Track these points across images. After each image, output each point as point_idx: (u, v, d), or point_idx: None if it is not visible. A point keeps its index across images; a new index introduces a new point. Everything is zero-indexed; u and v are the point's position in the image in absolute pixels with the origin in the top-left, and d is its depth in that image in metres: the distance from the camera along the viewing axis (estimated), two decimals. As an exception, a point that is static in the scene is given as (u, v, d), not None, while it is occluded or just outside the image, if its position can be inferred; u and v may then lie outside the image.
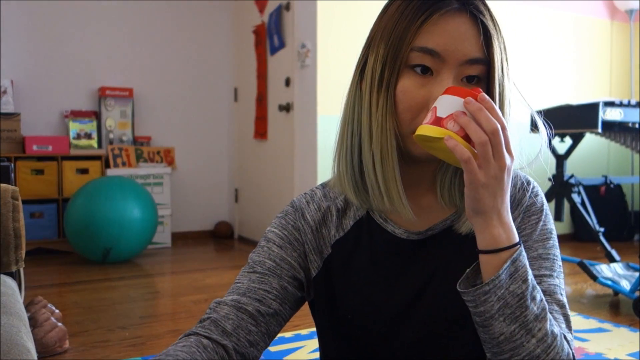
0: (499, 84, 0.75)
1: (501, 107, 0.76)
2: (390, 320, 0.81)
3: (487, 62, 0.73)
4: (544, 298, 0.71)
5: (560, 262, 0.82)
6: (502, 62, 0.75)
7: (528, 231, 0.81)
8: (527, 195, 0.83)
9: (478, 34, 0.73)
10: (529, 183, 0.85)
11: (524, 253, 0.70)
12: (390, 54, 0.74)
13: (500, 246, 0.68)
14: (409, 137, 0.74)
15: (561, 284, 0.80)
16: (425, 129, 0.68)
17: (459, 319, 0.78)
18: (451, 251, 0.81)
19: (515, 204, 0.82)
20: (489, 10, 0.77)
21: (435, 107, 0.69)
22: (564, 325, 0.76)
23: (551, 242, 0.82)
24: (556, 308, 0.77)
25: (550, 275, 0.79)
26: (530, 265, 0.78)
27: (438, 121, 0.67)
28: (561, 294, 0.79)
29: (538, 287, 0.71)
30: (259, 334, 0.78)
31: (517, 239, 0.70)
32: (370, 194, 0.79)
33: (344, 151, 0.81)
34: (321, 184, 0.89)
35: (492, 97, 0.74)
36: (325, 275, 0.84)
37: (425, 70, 0.73)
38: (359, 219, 0.84)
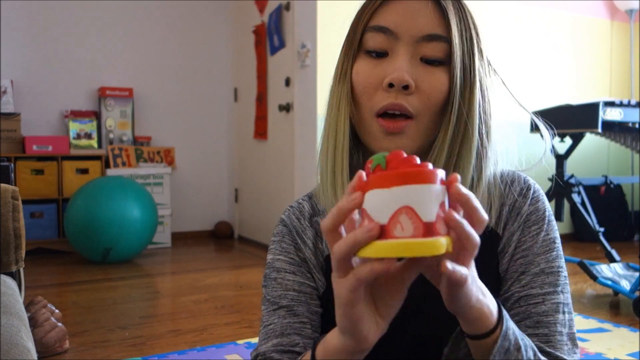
0: (463, 66, 0.69)
1: (468, 93, 0.69)
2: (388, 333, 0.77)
3: (448, 40, 0.69)
4: (537, 352, 0.64)
5: (565, 273, 0.76)
6: (465, 42, 0.70)
7: (529, 244, 0.75)
8: (527, 202, 0.77)
9: (436, 11, 0.69)
10: (528, 188, 0.78)
11: (509, 322, 0.61)
12: (347, 41, 0.74)
13: (488, 328, 0.58)
14: (370, 123, 0.70)
15: (566, 298, 0.74)
16: (378, 250, 0.46)
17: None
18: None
19: (514, 214, 0.77)
20: None
21: (367, 212, 0.48)
22: (564, 354, 0.71)
23: (554, 253, 0.75)
24: (559, 333, 0.72)
25: (554, 292, 0.73)
26: (532, 282, 0.73)
27: (386, 232, 0.47)
28: (564, 312, 0.73)
29: (530, 343, 0.64)
30: None
31: (497, 307, 0.59)
32: (321, 188, 0.74)
33: (322, 154, 0.76)
34: (307, 195, 0.84)
35: (453, 81, 0.69)
36: (329, 291, 0.78)
37: (381, 55, 0.70)
38: None
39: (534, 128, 3.08)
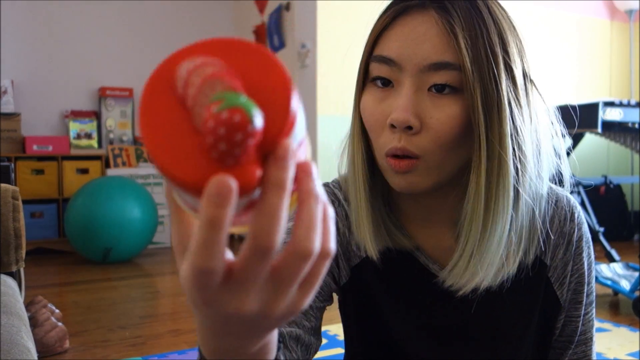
0: (482, 93, 0.59)
1: (496, 125, 0.60)
2: (430, 345, 0.74)
3: (459, 67, 0.60)
4: None
5: (594, 279, 0.78)
6: (483, 64, 0.59)
7: (581, 271, 0.74)
8: (575, 228, 0.73)
9: (444, 32, 0.60)
10: (573, 212, 0.73)
11: None
12: (358, 69, 0.67)
13: None
14: (381, 162, 0.65)
15: (593, 311, 0.78)
16: None
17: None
18: (487, 302, 0.70)
19: (563, 240, 0.72)
20: (464, 2, 0.61)
21: None
22: None
23: (594, 272, 0.79)
24: (593, 344, 0.78)
25: (590, 309, 0.77)
26: (579, 307, 0.76)
27: None
28: (594, 324, 0.78)
29: None
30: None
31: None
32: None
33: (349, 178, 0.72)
34: (337, 182, 0.77)
35: (472, 109, 0.59)
36: (353, 285, 0.74)
37: (387, 83, 0.63)
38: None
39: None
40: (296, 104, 0.36)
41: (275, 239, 0.32)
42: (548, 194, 0.71)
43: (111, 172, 4.10)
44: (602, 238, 2.81)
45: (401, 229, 0.71)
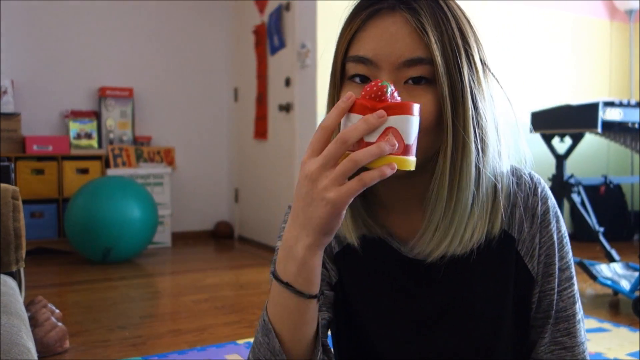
0: (450, 83, 0.66)
1: (461, 109, 0.67)
2: (410, 336, 0.78)
3: (430, 61, 0.66)
4: None
5: (572, 262, 0.80)
6: (449, 56, 0.66)
7: (549, 244, 0.77)
8: (539, 202, 0.77)
9: (414, 31, 0.66)
10: (536, 186, 0.77)
11: None
12: (332, 69, 0.73)
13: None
14: None
15: (577, 287, 0.79)
16: (381, 161, 0.59)
17: (482, 347, 0.76)
18: (459, 279, 0.76)
19: (529, 214, 0.76)
20: (427, 2, 0.68)
21: (394, 130, 0.60)
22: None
23: (566, 247, 0.78)
24: (577, 322, 0.78)
25: (570, 286, 0.78)
26: (551, 282, 0.77)
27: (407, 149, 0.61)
28: (577, 300, 0.79)
29: None
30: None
31: None
32: None
33: None
34: None
35: (443, 102, 0.66)
36: (341, 281, 0.81)
37: (365, 79, 0.69)
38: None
39: (534, 128, 3.09)
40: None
41: (350, 136, 0.58)
42: (512, 172, 0.77)
43: (111, 172, 4.10)
44: (602, 238, 2.81)
45: (374, 217, 0.77)
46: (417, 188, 0.73)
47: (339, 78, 0.72)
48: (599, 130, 2.72)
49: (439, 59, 0.65)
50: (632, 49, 4.77)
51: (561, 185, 2.94)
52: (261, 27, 4.24)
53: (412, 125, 0.60)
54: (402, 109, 0.60)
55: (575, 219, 4.48)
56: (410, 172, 0.63)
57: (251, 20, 4.40)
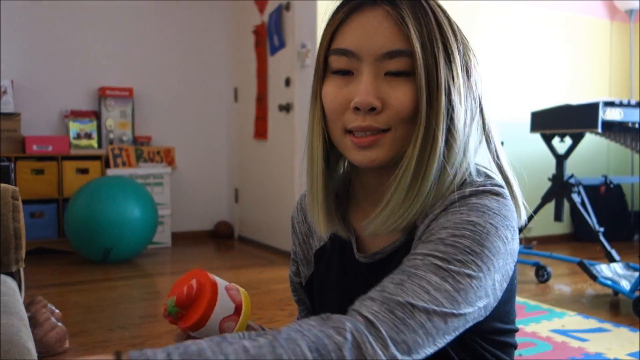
0: (427, 76, 0.67)
1: (435, 102, 0.67)
2: None
3: (410, 53, 0.67)
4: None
5: (480, 266, 0.61)
6: (428, 49, 0.68)
7: (440, 221, 0.65)
8: (454, 196, 0.67)
9: (395, 24, 0.68)
10: (464, 186, 0.68)
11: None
12: (316, 63, 0.75)
13: None
14: (342, 139, 0.72)
15: (457, 278, 0.59)
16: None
17: None
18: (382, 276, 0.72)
19: (439, 205, 0.68)
20: None
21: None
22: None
23: (468, 232, 0.62)
24: (414, 293, 0.58)
25: (443, 259, 0.60)
26: (420, 246, 0.64)
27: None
28: (443, 279, 0.59)
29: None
30: None
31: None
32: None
33: (305, 172, 0.82)
34: (304, 193, 0.89)
35: (419, 93, 0.67)
36: (310, 281, 0.88)
37: (346, 72, 0.71)
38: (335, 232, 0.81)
39: (534, 128, 3.09)
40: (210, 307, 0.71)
41: None
42: (479, 177, 0.71)
43: (111, 172, 4.10)
44: (602, 238, 2.81)
45: (343, 220, 0.80)
46: (385, 184, 0.73)
47: (322, 72, 0.74)
48: (599, 130, 2.72)
49: (418, 51, 0.67)
50: (632, 49, 4.77)
51: (561, 185, 2.94)
52: (261, 27, 4.24)
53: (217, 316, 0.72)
54: (202, 321, 0.70)
55: (576, 219, 4.49)
56: (384, 164, 0.67)
57: (251, 20, 4.40)
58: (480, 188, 0.67)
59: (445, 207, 0.66)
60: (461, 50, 0.71)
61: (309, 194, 0.78)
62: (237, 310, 0.74)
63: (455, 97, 0.69)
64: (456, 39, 0.71)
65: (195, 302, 0.71)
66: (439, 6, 0.71)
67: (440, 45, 0.68)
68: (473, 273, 0.60)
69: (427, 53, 0.68)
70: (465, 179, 0.70)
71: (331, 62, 0.72)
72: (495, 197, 0.67)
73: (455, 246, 0.61)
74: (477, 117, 0.73)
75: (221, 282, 0.76)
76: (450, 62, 0.69)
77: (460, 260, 0.60)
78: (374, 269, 0.77)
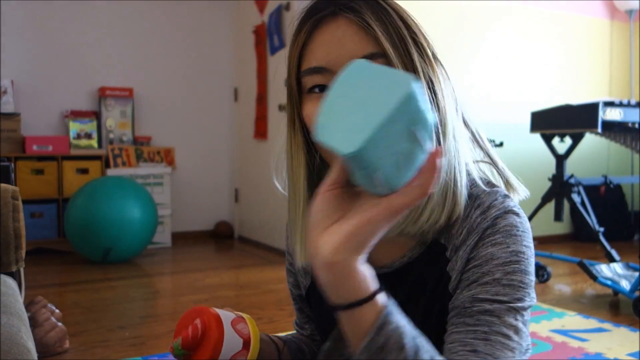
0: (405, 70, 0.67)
1: None
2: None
3: (383, 54, 0.66)
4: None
5: (532, 295, 0.68)
6: (398, 49, 0.67)
7: (483, 253, 0.68)
8: (486, 220, 0.70)
9: (360, 29, 0.67)
10: (489, 207, 0.70)
11: (392, 317, 0.56)
12: (288, 87, 0.73)
13: (362, 296, 0.55)
14: (331, 157, 0.69)
15: (523, 317, 0.66)
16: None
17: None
18: (407, 292, 0.73)
19: (470, 232, 0.69)
20: (365, 2, 0.68)
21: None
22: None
23: (515, 266, 0.67)
24: (502, 336, 0.64)
25: (508, 302, 0.65)
26: (484, 290, 0.66)
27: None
28: (516, 319, 0.65)
29: (429, 348, 0.57)
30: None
31: (379, 290, 0.57)
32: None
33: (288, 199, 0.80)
34: None
35: None
36: (312, 294, 0.87)
37: (324, 88, 0.68)
38: None
39: (534, 128, 3.09)
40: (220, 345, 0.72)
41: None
42: (488, 191, 0.72)
43: (111, 172, 4.10)
44: (602, 238, 2.81)
45: None
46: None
47: (297, 94, 0.72)
48: (599, 130, 2.72)
49: (390, 50, 0.66)
50: (632, 49, 4.77)
51: (561, 185, 2.94)
52: (261, 27, 4.24)
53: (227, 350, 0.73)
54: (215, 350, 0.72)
55: (576, 219, 4.49)
56: None
57: (251, 20, 4.40)
58: (502, 209, 0.69)
59: (480, 236, 0.68)
60: (430, 43, 0.71)
61: (292, 224, 0.75)
62: (246, 344, 0.73)
63: (437, 89, 0.69)
64: (422, 33, 0.70)
65: (202, 343, 0.70)
66: (396, 4, 0.71)
67: (410, 41, 0.68)
68: (527, 303, 0.67)
69: (400, 51, 0.67)
70: (472, 183, 0.72)
71: (305, 82, 0.70)
72: (515, 215, 0.70)
73: (511, 285, 0.66)
74: (459, 108, 0.73)
75: (226, 317, 0.73)
76: (423, 55, 0.69)
77: (519, 297, 0.66)
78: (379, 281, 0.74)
